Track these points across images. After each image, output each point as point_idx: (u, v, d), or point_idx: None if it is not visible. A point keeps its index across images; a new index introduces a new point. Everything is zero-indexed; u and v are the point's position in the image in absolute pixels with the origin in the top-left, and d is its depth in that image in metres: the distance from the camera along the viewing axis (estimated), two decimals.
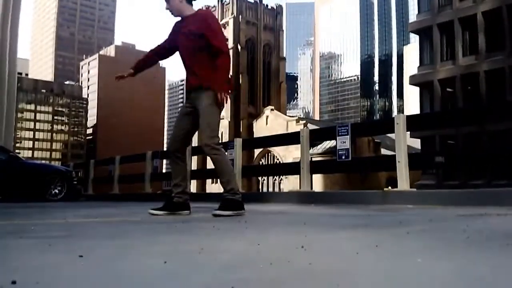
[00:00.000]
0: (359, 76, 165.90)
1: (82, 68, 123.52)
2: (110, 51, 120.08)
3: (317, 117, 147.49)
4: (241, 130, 56.56)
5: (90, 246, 1.84)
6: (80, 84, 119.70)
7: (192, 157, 10.20)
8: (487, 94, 26.39)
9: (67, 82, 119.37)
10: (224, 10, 62.64)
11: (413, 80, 31.94)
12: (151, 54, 4.12)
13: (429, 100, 30.19)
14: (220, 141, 3.78)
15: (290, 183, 40.26)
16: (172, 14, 3.83)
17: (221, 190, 3.68)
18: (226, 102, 3.63)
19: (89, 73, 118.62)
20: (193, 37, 3.66)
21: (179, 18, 3.87)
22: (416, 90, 32.56)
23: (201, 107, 3.64)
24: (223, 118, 58.62)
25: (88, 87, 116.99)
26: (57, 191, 9.33)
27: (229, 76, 3.71)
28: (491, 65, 26.49)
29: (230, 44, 60.39)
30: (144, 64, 4.10)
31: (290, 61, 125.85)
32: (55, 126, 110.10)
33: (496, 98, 24.89)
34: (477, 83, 27.11)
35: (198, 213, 3.87)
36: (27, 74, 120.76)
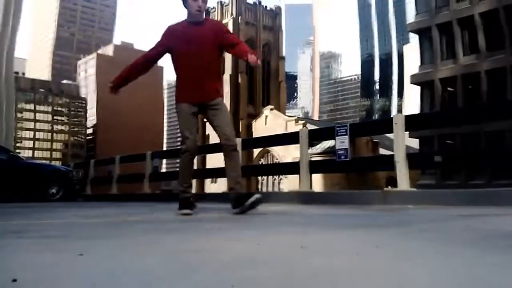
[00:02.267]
0: (360, 76, 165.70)
1: (79, 67, 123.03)
2: (108, 50, 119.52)
3: (316, 117, 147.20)
4: (240, 130, 56.47)
5: (89, 246, 1.84)
6: (77, 83, 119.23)
7: None
8: (488, 93, 26.37)
9: (64, 81, 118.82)
10: (224, 11, 62.56)
11: (414, 79, 31.97)
12: (141, 61, 3.87)
13: (430, 100, 30.21)
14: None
15: (289, 183, 40.18)
16: (198, 14, 3.70)
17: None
18: (258, 60, 3.58)
19: (87, 72, 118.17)
20: (216, 45, 3.72)
21: (172, 23, 3.84)
22: (416, 89, 32.59)
23: (219, 108, 3.79)
24: None
25: (86, 86, 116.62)
26: (56, 191, 9.32)
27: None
28: (491, 64, 26.47)
29: None
30: (127, 77, 3.85)
31: (289, 61, 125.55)
32: (55, 126, 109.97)
33: (497, 98, 24.86)
34: (478, 83, 27.10)
35: (197, 213, 3.88)
36: (24, 73, 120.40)
